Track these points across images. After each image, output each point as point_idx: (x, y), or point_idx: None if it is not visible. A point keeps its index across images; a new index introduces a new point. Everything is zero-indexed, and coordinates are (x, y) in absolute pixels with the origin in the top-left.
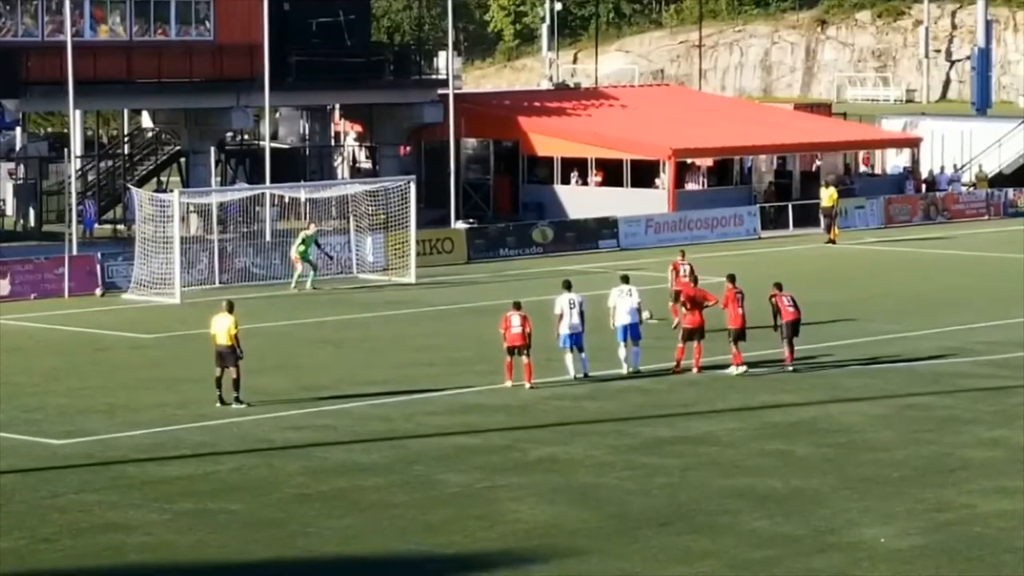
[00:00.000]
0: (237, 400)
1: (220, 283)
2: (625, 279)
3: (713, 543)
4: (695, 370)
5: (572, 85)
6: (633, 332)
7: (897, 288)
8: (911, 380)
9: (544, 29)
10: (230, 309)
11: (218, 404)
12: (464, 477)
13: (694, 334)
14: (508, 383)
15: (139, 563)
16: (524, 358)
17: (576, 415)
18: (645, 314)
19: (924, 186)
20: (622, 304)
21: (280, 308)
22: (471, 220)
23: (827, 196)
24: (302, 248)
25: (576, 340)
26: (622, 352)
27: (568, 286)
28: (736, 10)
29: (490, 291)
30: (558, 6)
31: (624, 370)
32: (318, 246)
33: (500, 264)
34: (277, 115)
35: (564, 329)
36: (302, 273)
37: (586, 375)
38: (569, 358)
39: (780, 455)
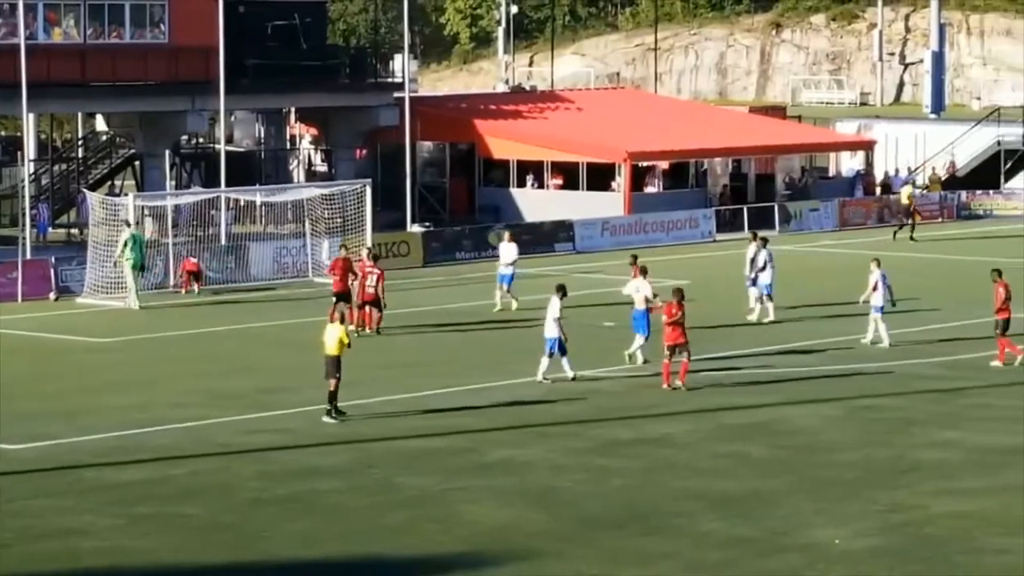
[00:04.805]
0: (329, 412)
1: (174, 287)
2: (643, 271)
3: (669, 545)
4: (679, 383)
5: (528, 88)
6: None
7: (851, 291)
8: (865, 382)
9: (500, 32)
10: (341, 320)
11: (334, 417)
12: (422, 480)
13: (674, 350)
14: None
15: (94, 568)
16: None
17: (534, 417)
18: (609, 323)
19: (880, 189)
20: (640, 297)
21: (236, 311)
22: (427, 223)
23: (906, 193)
24: (130, 256)
25: (552, 345)
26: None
27: (559, 290)
28: (691, 13)
29: (447, 294)
30: (514, 9)
31: (639, 361)
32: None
33: (456, 267)
34: (232, 118)
35: (548, 332)
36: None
37: (545, 378)
38: (545, 362)
39: (736, 457)
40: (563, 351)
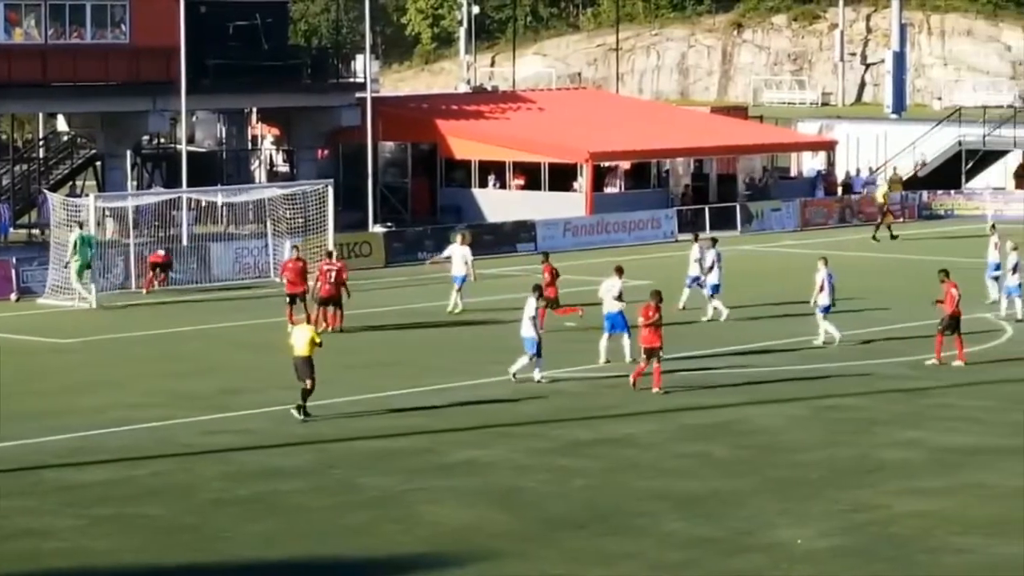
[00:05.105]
0: (297, 408)
1: (136, 288)
2: (619, 271)
3: (632, 545)
4: (655, 389)
5: (490, 88)
6: (622, 325)
7: (811, 290)
8: (828, 381)
9: (461, 32)
10: (308, 320)
11: (302, 417)
12: (383, 480)
13: (652, 353)
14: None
15: (55, 569)
16: None
17: (496, 418)
18: (570, 322)
19: (841, 189)
20: (609, 297)
21: (198, 312)
22: (389, 223)
23: (880, 192)
24: (77, 260)
25: (531, 346)
26: (604, 343)
27: (536, 290)
28: (653, 13)
29: (409, 294)
30: (475, 9)
31: (601, 360)
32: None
33: (418, 267)
34: (194, 118)
35: (524, 332)
36: (85, 281)
37: (515, 376)
38: (523, 360)
39: (699, 457)
40: (538, 353)
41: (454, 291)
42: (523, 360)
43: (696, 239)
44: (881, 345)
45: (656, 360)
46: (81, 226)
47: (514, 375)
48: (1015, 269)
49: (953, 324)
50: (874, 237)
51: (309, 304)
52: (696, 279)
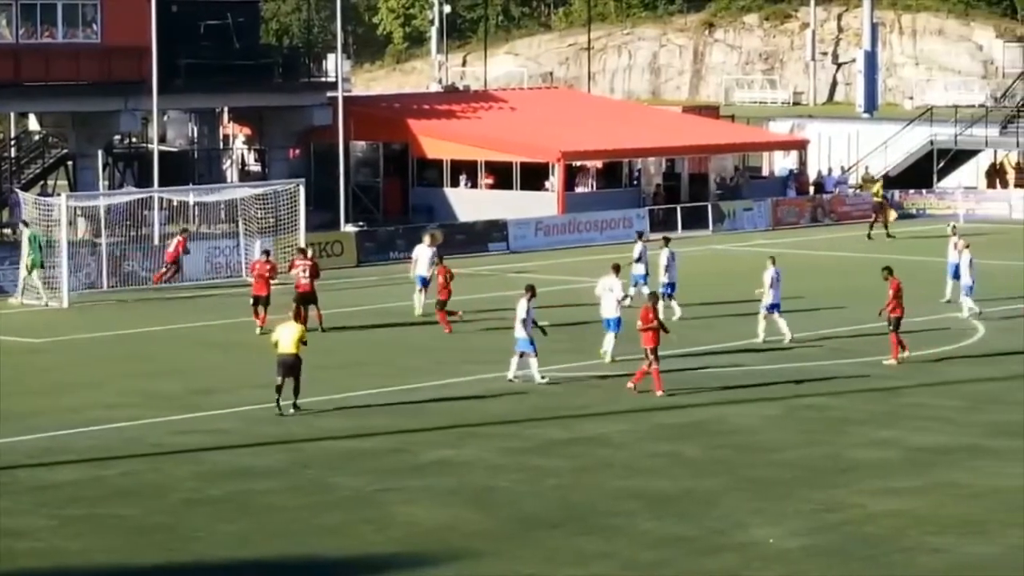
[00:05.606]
0: (295, 407)
1: (108, 287)
2: (616, 268)
3: (606, 544)
4: (658, 392)
5: (461, 88)
6: (615, 325)
7: (785, 290)
8: (802, 381)
9: (433, 32)
10: (296, 318)
11: (277, 412)
12: (356, 480)
13: (654, 352)
14: None
15: (30, 569)
16: None
17: (469, 417)
18: (545, 322)
19: (813, 188)
20: (608, 298)
21: (169, 311)
22: (361, 223)
23: (873, 190)
24: (32, 257)
25: (526, 345)
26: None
27: (528, 290)
28: (624, 13)
29: (381, 294)
30: (447, 8)
31: (604, 347)
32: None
33: (390, 267)
34: (165, 118)
35: (517, 333)
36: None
37: (542, 376)
38: (514, 361)
39: (673, 456)
40: (533, 351)
41: (416, 293)
42: (532, 362)
43: (639, 238)
44: (853, 344)
45: (646, 364)
46: (27, 224)
47: (543, 377)
48: (970, 266)
49: (897, 322)
50: (888, 235)
51: (268, 310)
52: (645, 277)
